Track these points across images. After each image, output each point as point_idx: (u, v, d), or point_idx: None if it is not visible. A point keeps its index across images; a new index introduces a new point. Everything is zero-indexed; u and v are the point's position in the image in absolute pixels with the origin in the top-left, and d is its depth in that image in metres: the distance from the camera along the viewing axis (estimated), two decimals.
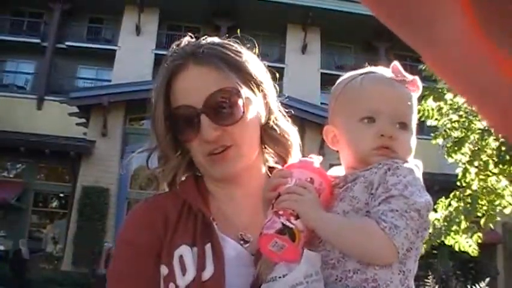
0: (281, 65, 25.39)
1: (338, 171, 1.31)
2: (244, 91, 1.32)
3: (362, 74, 1.30)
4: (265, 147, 1.43)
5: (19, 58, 27.01)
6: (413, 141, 1.27)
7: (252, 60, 1.39)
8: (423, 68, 6.74)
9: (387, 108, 1.23)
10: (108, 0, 26.18)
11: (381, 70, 1.30)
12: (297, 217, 1.14)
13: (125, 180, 20.37)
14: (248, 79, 1.34)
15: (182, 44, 1.39)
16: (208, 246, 1.25)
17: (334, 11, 25.08)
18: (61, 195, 22.21)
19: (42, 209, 22.43)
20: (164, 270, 1.25)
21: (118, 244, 1.38)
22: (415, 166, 1.21)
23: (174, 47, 1.39)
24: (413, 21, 0.31)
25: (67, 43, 26.44)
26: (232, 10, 26.31)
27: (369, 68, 1.32)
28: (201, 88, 1.29)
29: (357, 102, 1.26)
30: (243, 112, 1.30)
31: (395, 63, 1.28)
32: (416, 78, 1.29)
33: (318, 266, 1.13)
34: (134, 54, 25.62)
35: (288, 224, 1.13)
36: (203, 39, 1.40)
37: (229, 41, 1.42)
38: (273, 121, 1.41)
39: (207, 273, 1.21)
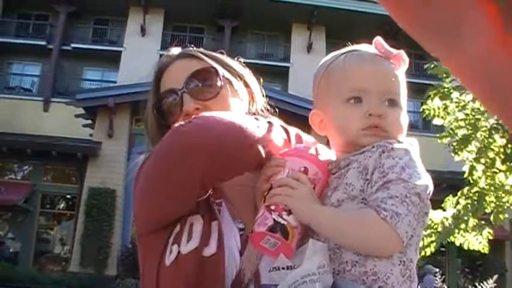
0: (286, 64, 25.39)
1: (330, 156, 1.24)
2: (223, 73, 1.42)
3: (344, 53, 1.25)
4: None
5: (25, 60, 27.08)
6: (405, 118, 1.21)
7: (233, 61, 1.52)
8: (430, 66, 6.73)
9: (373, 86, 1.17)
10: (113, 1, 26.22)
11: (363, 47, 1.25)
12: (290, 212, 1.09)
13: (131, 181, 20.36)
14: (228, 69, 1.45)
15: (172, 50, 1.55)
16: (215, 223, 1.26)
17: (339, 9, 25.03)
18: (68, 196, 22.27)
19: (49, 211, 22.49)
20: (177, 228, 1.25)
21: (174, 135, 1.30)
22: (410, 145, 1.14)
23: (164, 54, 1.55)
24: (435, 27, 0.31)
25: (73, 45, 26.48)
26: (237, 10, 26.30)
27: (351, 47, 1.26)
28: (183, 73, 1.40)
29: (341, 82, 1.20)
30: (221, 87, 1.38)
31: (378, 38, 1.23)
32: (402, 52, 1.22)
33: (327, 257, 1.07)
34: (139, 55, 25.64)
35: (280, 220, 1.08)
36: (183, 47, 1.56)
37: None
38: (257, 111, 1.47)
39: (209, 250, 1.21)
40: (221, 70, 1.42)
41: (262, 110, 1.49)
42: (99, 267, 18.34)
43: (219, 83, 1.39)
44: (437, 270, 11.71)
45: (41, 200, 21.63)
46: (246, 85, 1.48)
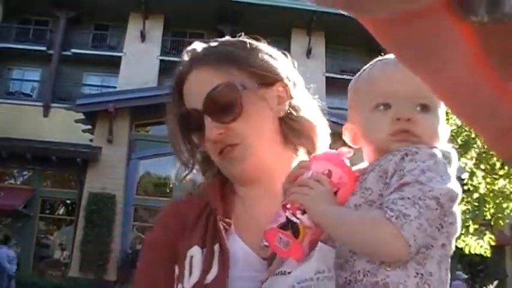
0: None
1: (363, 165, 1.19)
2: (246, 84, 1.27)
3: (371, 64, 1.23)
4: (292, 142, 1.36)
5: (25, 66, 27.14)
6: (441, 125, 1.14)
7: (260, 52, 1.34)
8: None
9: (401, 90, 1.11)
10: (113, 7, 26.26)
11: (391, 56, 1.17)
12: (305, 212, 1.06)
13: (132, 187, 20.39)
14: (253, 71, 1.30)
15: (187, 50, 1.38)
16: (216, 247, 1.22)
17: (338, 14, 25.06)
18: (68, 201, 22.25)
19: (49, 216, 22.46)
20: (176, 270, 1.24)
21: (142, 246, 1.40)
22: (441, 151, 1.06)
23: (183, 53, 1.39)
24: (415, 47, 0.31)
25: (73, 50, 26.54)
26: (236, 15, 26.34)
27: (378, 58, 1.23)
28: (201, 89, 1.27)
29: (368, 91, 1.17)
30: (241, 106, 1.25)
31: None
32: None
33: (330, 262, 1.02)
34: (139, 61, 25.69)
35: (292, 218, 1.06)
36: (208, 41, 1.38)
37: (238, 37, 1.39)
38: (294, 112, 1.32)
39: (211, 275, 1.18)
40: (244, 83, 1.27)
41: (298, 108, 1.33)
42: (98, 273, 18.31)
43: (239, 102, 1.25)
44: (467, 276, 11.81)
45: (41, 205, 21.61)
46: (280, 86, 1.33)
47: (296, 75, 1.39)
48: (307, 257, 1.05)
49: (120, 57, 26.44)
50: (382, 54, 1.19)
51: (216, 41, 1.38)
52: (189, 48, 1.38)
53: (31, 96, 26.93)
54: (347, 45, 27.17)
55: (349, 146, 1.21)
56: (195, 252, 1.23)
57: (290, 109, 1.32)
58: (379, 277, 0.99)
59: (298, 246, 1.05)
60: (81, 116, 20.17)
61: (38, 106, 24.98)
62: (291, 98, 1.33)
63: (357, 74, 1.25)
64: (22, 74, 27.58)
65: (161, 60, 26.61)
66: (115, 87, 25.23)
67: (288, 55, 1.43)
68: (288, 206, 1.08)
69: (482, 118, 0.33)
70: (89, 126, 20.75)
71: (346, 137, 1.23)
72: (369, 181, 1.07)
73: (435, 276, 1.00)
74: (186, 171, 1.40)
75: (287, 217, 1.06)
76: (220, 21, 26.63)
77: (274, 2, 26.34)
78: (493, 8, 0.25)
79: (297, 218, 1.05)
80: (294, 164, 1.24)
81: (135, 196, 20.66)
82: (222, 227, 1.24)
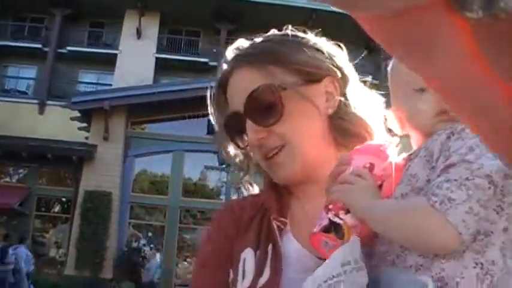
0: None
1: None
2: (288, 83, 1.19)
3: None
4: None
5: (21, 63, 27.07)
6: None
7: (306, 47, 1.25)
8: None
9: None
10: (108, 4, 26.21)
11: None
12: (348, 211, 0.99)
13: (127, 184, 20.38)
14: (297, 68, 1.21)
15: (230, 48, 1.32)
16: (270, 249, 1.17)
17: (336, 13, 25.02)
18: (63, 199, 22.20)
19: (45, 214, 22.41)
20: (231, 274, 1.20)
21: (199, 247, 1.36)
22: None
23: (227, 51, 1.32)
24: (406, 42, 0.31)
25: (68, 48, 26.49)
26: (233, 14, 26.33)
27: None
28: (242, 91, 1.21)
29: (409, 72, 1.05)
30: (282, 107, 1.18)
31: None
32: None
33: (357, 253, 0.95)
34: (135, 58, 25.64)
35: (335, 219, 0.99)
36: (251, 38, 1.31)
37: (285, 31, 1.30)
38: (344, 108, 1.24)
39: (263, 279, 1.13)
40: (282, 79, 1.20)
41: (348, 105, 1.24)
42: (94, 271, 18.28)
43: (280, 103, 1.18)
44: None
45: (37, 203, 21.57)
46: (328, 82, 1.24)
47: (349, 69, 1.29)
48: None
49: (115, 55, 26.40)
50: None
51: (261, 37, 1.30)
52: (233, 46, 1.32)
53: (26, 93, 26.88)
54: (344, 43, 27.07)
55: (395, 134, 1.14)
56: (248, 255, 1.19)
57: (339, 106, 1.24)
58: (433, 271, 0.88)
59: None
60: (76, 113, 20.12)
61: (34, 104, 24.94)
62: (342, 93, 1.25)
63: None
64: (17, 71, 27.51)
65: (157, 58, 26.61)
66: (111, 85, 25.18)
67: (343, 47, 1.33)
68: (330, 206, 1.01)
69: (476, 114, 0.33)
70: (85, 124, 20.71)
71: (394, 122, 1.15)
72: (415, 167, 0.98)
73: (498, 265, 0.88)
74: (242, 174, 1.35)
75: (329, 219, 1.00)
76: (218, 19, 26.62)
77: (271, 0, 26.33)
78: (488, 4, 0.25)
79: (340, 219, 0.99)
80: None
81: (131, 194, 20.64)
82: (275, 227, 1.19)
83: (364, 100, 1.27)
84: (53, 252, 21.57)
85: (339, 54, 1.29)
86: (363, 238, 0.98)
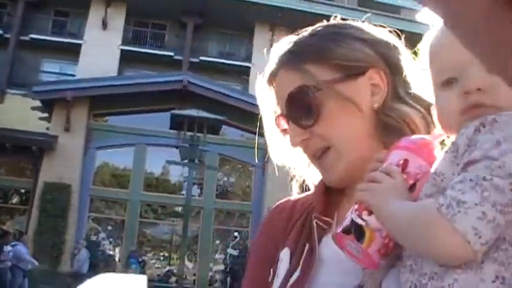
0: (248, 64, 25.40)
1: None
2: (326, 81, 1.14)
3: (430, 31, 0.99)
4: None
5: None
6: None
7: (348, 38, 1.18)
8: None
9: (463, 56, 0.83)
10: None
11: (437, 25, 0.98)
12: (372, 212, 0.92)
13: (88, 177, 20.15)
14: (337, 63, 1.15)
15: (274, 47, 1.27)
16: (306, 248, 1.13)
17: (302, 12, 25.19)
18: (22, 190, 21.84)
19: (2, 205, 21.99)
20: (271, 274, 1.18)
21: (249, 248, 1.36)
22: None
23: (273, 49, 1.28)
24: None
25: (31, 35, 25.97)
26: (200, 8, 26.22)
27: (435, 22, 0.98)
28: (283, 93, 1.18)
29: (432, 66, 0.96)
30: (318, 108, 1.13)
31: None
32: None
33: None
34: (100, 49, 25.32)
35: (357, 220, 0.92)
36: (296, 35, 1.25)
37: (330, 22, 1.25)
38: (389, 103, 1.16)
39: (293, 278, 1.10)
40: (320, 78, 1.14)
41: (396, 100, 1.17)
42: (52, 264, 18.04)
43: (315, 104, 1.14)
44: None
45: None
46: (366, 68, 1.16)
47: (401, 57, 1.20)
48: (373, 268, 0.92)
49: (80, 45, 26.02)
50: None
51: (306, 31, 1.24)
52: (278, 44, 1.27)
53: None
54: None
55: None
56: (284, 255, 1.16)
57: (386, 100, 1.16)
58: (446, 281, 0.77)
59: (364, 252, 0.91)
60: (37, 103, 19.79)
61: None
62: (391, 84, 1.17)
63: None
64: None
65: (122, 50, 26.32)
66: (74, 75, 24.83)
67: (394, 34, 1.24)
68: (356, 206, 0.94)
69: (503, 55, 0.33)
70: (46, 114, 20.39)
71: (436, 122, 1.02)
72: (441, 164, 0.87)
73: None
74: (302, 171, 1.30)
75: (352, 219, 0.93)
76: (184, 13, 26.48)
77: None
78: None
79: (363, 220, 0.91)
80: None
81: (92, 186, 20.42)
82: (315, 226, 1.14)
83: (414, 93, 1.17)
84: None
85: (388, 43, 1.20)
86: (388, 244, 0.90)
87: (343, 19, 1.26)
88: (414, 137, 1.02)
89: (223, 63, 26.51)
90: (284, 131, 1.22)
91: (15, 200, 22.54)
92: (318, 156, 1.17)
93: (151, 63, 26.08)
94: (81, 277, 16.01)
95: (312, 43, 1.19)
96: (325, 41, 1.18)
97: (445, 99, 0.92)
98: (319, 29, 1.23)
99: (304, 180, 1.30)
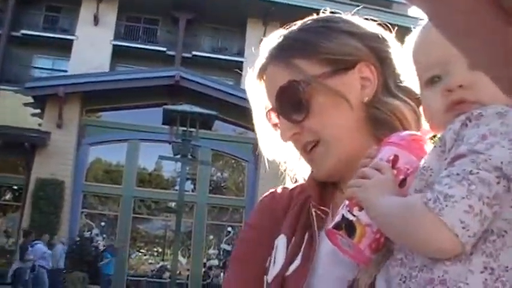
0: (240, 59, 25.36)
1: None
2: (315, 75, 1.14)
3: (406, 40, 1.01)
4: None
5: None
6: None
7: (337, 32, 1.18)
8: None
9: (442, 53, 0.88)
10: None
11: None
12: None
13: (81, 173, 20.10)
14: (326, 58, 1.15)
15: (263, 42, 1.27)
16: (306, 237, 1.13)
17: (295, 6, 25.16)
18: (15, 187, 21.75)
19: None
20: (267, 262, 1.17)
21: (243, 228, 1.33)
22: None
23: (260, 45, 1.27)
24: None
25: (22, 31, 25.84)
26: (192, 3, 26.14)
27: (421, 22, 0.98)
28: (273, 89, 1.18)
29: (416, 65, 0.97)
30: (308, 103, 1.13)
31: None
32: None
33: None
34: (92, 45, 25.22)
35: (348, 216, 0.92)
36: (286, 29, 1.25)
37: (320, 16, 1.25)
38: (379, 96, 1.16)
39: (293, 266, 1.10)
40: (309, 72, 1.14)
41: (380, 92, 1.16)
42: None
43: (305, 99, 1.14)
44: None
45: None
46: (356, 62, 1.16)
47: (391, 50, 1.19)
48: (364, 264, 0.94)
49: (72, 41, 25.92)
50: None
51: (295, 25, 1.25)
52: (265, 40, 1.27)
53: None
54: None
55: None
56: (280, 241, 1.16)
57: (376, 93, 1.16)
58: (436, 273, 0.78)
59: (356, 247, 0.92)
60: (30, 99, 19.70)
61: None
62: (381, 77, 1.17)
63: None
64: None
65: (114, 45, 26.23)
66: (66, 71, 24.73)
67: (387, 27, 1.24)
68: (347, 202, 0.95)
69: (496, 66, 0.33)
70: (38, 110, 20.30)
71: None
72: (429, 159, 0.87)
73: None
74: (295, 164, 1.30)
75: (343, 215, 0.94)
76: (176, 8, 26.40)
77: None
78: None
79: (353, 215, 0.92)
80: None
81: (85, 183, 20.36)
82: (314, 214, 1.14)
83: (405, 86, 1.16)
84: (2, 242, 21.11)
85: (378, 36, 1.20)
86: (379, 240, 0.91)
87: (332, 13, 1.26)
88: (404, 132, 1.02)
89: (215, 58, 26.48)
90: (275, 125, 1.22)
91: (7, 196, 22.45)
92: (308, 150, 1.17)
93: (143, 58, 26.01)
94: (59, 272, 16.12)
95: (301, 38, 1.19)
96: (314, 36, 1.18)
97: (429, 98, 0.92)
98: (308, 23, 1.23)
99: (295, 174, 1.30)
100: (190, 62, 25.30)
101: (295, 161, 1.28)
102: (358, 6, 1.49)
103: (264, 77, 1.23)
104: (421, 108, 1.05)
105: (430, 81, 0.92)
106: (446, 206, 0.74)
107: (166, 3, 26.17)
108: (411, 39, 0.97)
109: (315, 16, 1.25)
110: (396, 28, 1.26)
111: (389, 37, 1.21)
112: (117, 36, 26.66)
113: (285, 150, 1.27)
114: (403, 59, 1.14)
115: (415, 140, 0.98)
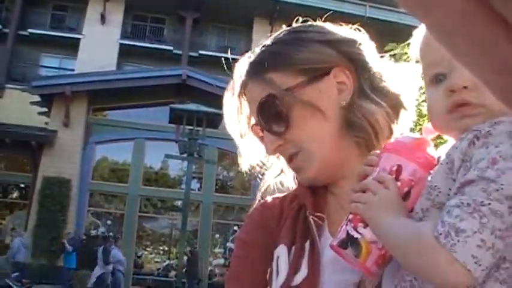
0: None
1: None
2: (290, 87, 1.16)
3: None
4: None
5: None
6: None
7: (307, 41, 1.20)
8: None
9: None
10: None
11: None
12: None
13: (87, 171, 20.14)
14: (299, 68, 1.17)
15: (241, 61, 1.31)
16: (307, 245, 1.12)
17: (301, 5, 25.14)
18: (22, 185, 21.82)
19: (2, 200, 21.99)
20: (269, 272, 1.16)
21: (235, 243, 1.32)
22: None
23: (240, 61, 1.31)
24: None
25: (29, 30, 25.91)
26: (199, 2, 26.16)
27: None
28: (254, 105, 1.21)
29: (422, 62, 0.94)
30: (287, 115, 1.15)
31: None
32: None
33: None
34: (99, 44, 25.27)
35: (353, 233, 0.89)
36: (261, 44, 1.28)
37: (291, 27, 1.26)
38: (355, 100, 1.16)
39: (300, 276, 1.09)
40: (284, 85, 1.16)
41: (362, 97, 1.17)
42: (51, 258, 18.04)
43: (284, 111, 1.15)
44: None
45: None
46: (329, 68, 1.17)
47: (364, 52, 1.20)
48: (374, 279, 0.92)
49: (79, 40, 25.97)
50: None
51: (269, 39, 1.27)
52: (242, 58, 1.30)
53: None
54: None
55: None
56: (281, 252, 1.15)
57: (352, 97, 1.16)
58: None
59: (362, 266, 0.89)
60: (37, 98, 19.75)
61: None
62: (355, 82, 1.18)
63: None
64: None
65: (121, 44, 26.27)
66: (73, 70, 24.78)
67: (363, 32, 1.25)
68: (350, 217, 0.92)
69: (479, 55, 0.33)
70: (45, 109, 20.35)
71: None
72: (436, 177, 0.83)
73: None
74: (276, 174, 1.33)
75: (348, 232, 0.91)
76: (182, 7, 26.42)
77: None
78: None
79: (358, 233, 0.89)
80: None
81: (91, 181, 20.41)
82: (312, 222, 1.14)
83: (382, 88, 1.18)
84: (9, 239, 21.17)
85: (350, 41, 1.21)
86: (384, 256, 0.89)
87: (304, 21, 1.27)
88: (405, 137, 0.99)
89: (222, 57, 26.37)
90: (261, 138, 1.24)
91: (14, 195, 22.54)
92: (290, 160, 1.20)
93: (150, 57, 26.04)
94: (17, 265, 16.14)
95: (274, 51, 1.22)
96: (285, 48, 1.20)
97: (432, 97, 0.90)
98: (280, 36, 1.25)
99: (281, 183, 1.32)
100: (197, 61, 25.31)
101: (280, 172, 1.31)
102: (364, 5, 1.49)
103: (244, 95, 1.26)
104: (403, 111, 1.09)
105: (434, 79, 0.89)
106: (458, 241, 0.71)
107: (173, 3, 26.18)
108: (418, 35, 0.95)
109: (286, 28, 1.27)
110: (404, 27, 1.27)
111: (364, 40, 1.22)
112: (123, 35, 26.69)
113: (270, 162, 1.31)
114: (379, 60, 1.19)
115: (417, 145, 0.93)
